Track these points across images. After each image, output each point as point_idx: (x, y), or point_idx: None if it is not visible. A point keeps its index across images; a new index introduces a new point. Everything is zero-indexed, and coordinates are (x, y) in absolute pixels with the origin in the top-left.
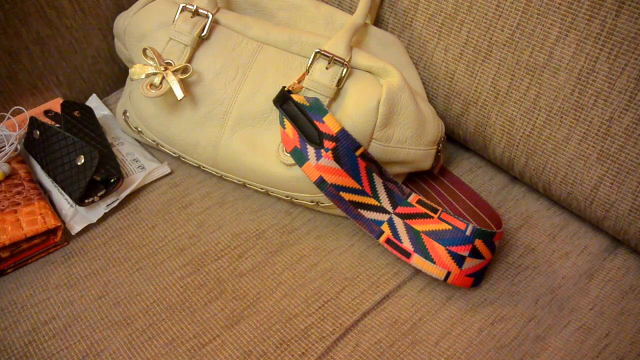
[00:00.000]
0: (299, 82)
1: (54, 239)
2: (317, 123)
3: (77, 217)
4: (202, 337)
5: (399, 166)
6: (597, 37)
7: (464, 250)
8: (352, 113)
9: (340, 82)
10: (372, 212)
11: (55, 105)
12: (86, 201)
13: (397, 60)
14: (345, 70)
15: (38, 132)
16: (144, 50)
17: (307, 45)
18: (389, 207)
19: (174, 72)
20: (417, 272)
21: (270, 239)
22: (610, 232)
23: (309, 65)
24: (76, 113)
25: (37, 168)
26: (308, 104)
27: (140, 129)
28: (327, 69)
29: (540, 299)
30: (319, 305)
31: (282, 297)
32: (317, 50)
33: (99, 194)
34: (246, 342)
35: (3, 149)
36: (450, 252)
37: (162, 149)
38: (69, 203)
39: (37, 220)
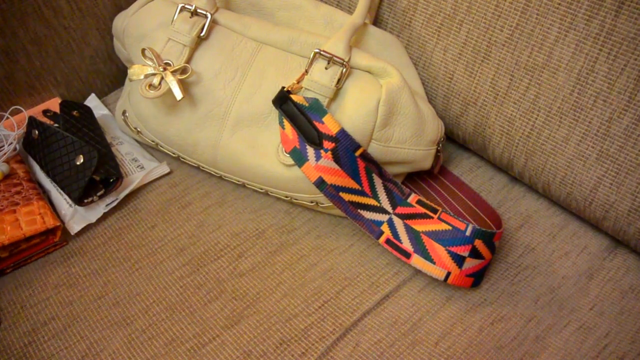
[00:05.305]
0: (298, 82)
1: (52, 239)
2: (316, 123)
3: (76, 217)
4: (202, 336)
5: (398, 166)
6: (596, 37)
7: (463, 250)
8: (351, 113)
9: (340, 82)
10: (371, 213)
11: (54, 104)
12: (85, 201)
13: (396, 60)
14: (345, 70)
15: (37, 132)
16: (143, 50)
17: (306, 44)
18: (388, 207)
19: (173, 72)
20: (417, 271)
21: (269, 239)
22: (609, 232)
23: (308, 65)
24: (75, 112)
25: (36, 168)
26: (307, 104)
27: (139, 129)
28: (326, 68)
29: (540, 299)
30: (319, 305)
31: (281, 296)
32: (316, 50)
33: (98, 194)
34: (246, 342)
35: (2, 149)
36: (450, 252)
37: (161, 149)
38: (67, 203)
39: (36, 220)
